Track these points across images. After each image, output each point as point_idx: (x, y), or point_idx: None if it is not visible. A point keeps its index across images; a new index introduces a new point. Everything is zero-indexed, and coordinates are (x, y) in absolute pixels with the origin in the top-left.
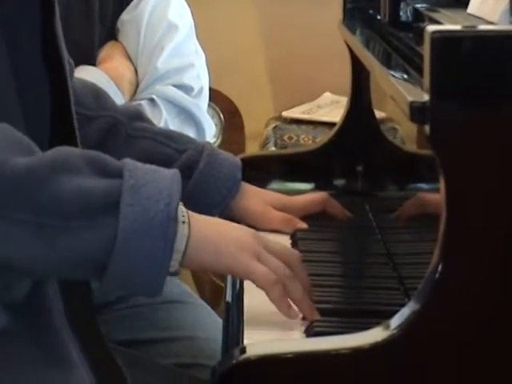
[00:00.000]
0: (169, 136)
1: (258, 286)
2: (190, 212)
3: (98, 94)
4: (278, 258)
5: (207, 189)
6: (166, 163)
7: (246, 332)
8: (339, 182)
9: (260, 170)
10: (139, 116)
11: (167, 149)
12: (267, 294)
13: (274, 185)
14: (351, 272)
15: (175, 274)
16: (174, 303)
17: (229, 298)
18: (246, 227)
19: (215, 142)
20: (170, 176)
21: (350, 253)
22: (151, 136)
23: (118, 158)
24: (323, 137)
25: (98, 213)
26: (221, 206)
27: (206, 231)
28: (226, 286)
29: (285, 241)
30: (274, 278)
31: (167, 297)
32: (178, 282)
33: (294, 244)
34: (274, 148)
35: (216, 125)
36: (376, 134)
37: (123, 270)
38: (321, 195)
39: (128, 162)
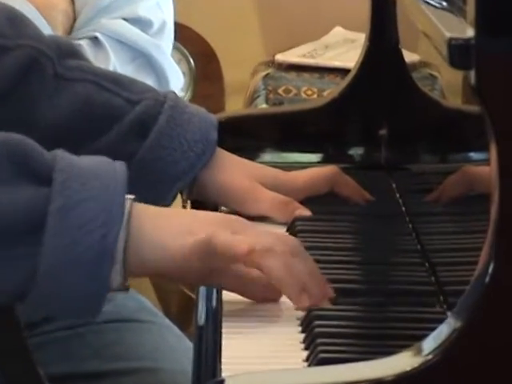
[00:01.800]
0: (117, 80)
1: (226, 262)
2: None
3: (14, 18)
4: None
5: (169, 153)
6: (113, 117)
7: (224, 361)
8: (355, 152)
9: (246, 136)
10: (74, 52)
11: (115, 98)
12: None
13: (266, 156)
14: (371, 277)
15: (125, 288)
16: (129, 323)
17: (201, 315)
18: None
19: (183, 98)
20: (112, 186)
21: (370, 250)
22: (92, 79)
23: (43, 106)
24: (333, 89)
25: (16, 240)
26: (188, 177)
27: (145, 228)
28: (197, 298)
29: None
30: (252, 244)
31: (118, 313)
32: (135, 293)
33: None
34: (264, 105)
35: (184, 73)
36: (406, 84)
37: (46, 303)
38: (329, 170)
39: (61, 161)
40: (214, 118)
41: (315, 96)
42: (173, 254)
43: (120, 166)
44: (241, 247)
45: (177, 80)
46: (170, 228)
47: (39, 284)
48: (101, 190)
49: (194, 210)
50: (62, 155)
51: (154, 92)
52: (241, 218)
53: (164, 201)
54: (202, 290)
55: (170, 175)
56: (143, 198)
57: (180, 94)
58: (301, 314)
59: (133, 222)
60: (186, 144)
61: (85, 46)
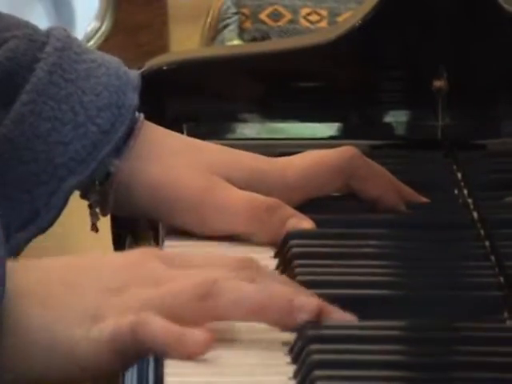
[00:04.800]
0: None
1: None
2: None
3: None
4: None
5: (52, 127)
6: None
7: None
8: (394, 118)
9: (205, 96)
10: None
11: None
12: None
13: (242, 129)
14: (425, 330)
15: None
16: None
17: None
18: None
19: (98, 30)
20: None
21: (417, 285)
22: None
23: None
24: (354, 10)
25: None
26: (86, 169)
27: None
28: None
29: (262, 262)
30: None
31: None
32: None
33: (286, 267)
34: (237, 41)
35: None
36: None
37: None
38: (342, 153)
39: None
40: (134, 73)
41: (324, 24)
42: (76, 355)
43: None
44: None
45: (86, 1)
46: (67, 315)
47: None
48: None
49: (87, 261)
50: None
51: (28, 28)
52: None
53: (47, 210)
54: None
55: (54, 165)
56: (6, 211)
57: (91, 23)
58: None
59: (9, 314)
60: (83, 112)
61: None
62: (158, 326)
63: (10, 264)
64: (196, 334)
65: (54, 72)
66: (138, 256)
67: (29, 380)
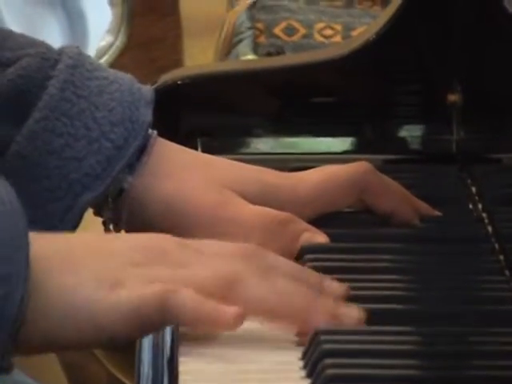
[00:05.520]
0: None
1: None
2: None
3: None
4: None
5: (65, 143)
6: None
7: None
8: (408, 133)
9: (219, 110)
10: None
11: None
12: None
13: (256, 144)
14: (435, 350)
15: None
16: None
17: None
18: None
19: (112, 45)
20: (13, 221)
21: (431, 303)
22: None
23: None
24: (368, 25)
25: None
26: (101, 185)
27: (49, 283)
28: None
29: None
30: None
31: None
32: (22, 376)
33: None
34: (251, 56)
35: (112, 3)
36: (494, 10)
37: None
38: (355, 168)
39: None
40: (147, 89)
41: (338, 38)
42: (93, 315)
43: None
44: (215, 313)
45: (100, 16)
46: (85, 276)
47: None
48: None
49: (110, 236)
50: None
51: (41, 47)
52: (171, 238)
53: (63, 226)
54: (144, 364)
55: (68, 182)
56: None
57: (105, 37)
58: None
59: (32, 275)
60: (96, 128)
61: None
62: (189, 296)
63: (30, 233)
64: (229, 309)
65: (66, 89)
66: (160, 239)
67: (48, 338)
